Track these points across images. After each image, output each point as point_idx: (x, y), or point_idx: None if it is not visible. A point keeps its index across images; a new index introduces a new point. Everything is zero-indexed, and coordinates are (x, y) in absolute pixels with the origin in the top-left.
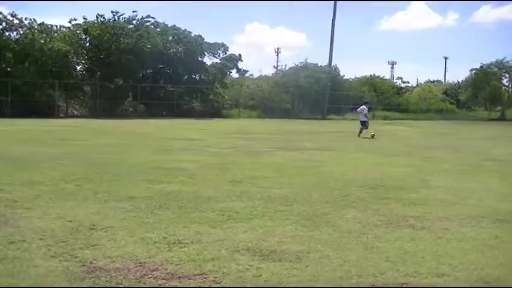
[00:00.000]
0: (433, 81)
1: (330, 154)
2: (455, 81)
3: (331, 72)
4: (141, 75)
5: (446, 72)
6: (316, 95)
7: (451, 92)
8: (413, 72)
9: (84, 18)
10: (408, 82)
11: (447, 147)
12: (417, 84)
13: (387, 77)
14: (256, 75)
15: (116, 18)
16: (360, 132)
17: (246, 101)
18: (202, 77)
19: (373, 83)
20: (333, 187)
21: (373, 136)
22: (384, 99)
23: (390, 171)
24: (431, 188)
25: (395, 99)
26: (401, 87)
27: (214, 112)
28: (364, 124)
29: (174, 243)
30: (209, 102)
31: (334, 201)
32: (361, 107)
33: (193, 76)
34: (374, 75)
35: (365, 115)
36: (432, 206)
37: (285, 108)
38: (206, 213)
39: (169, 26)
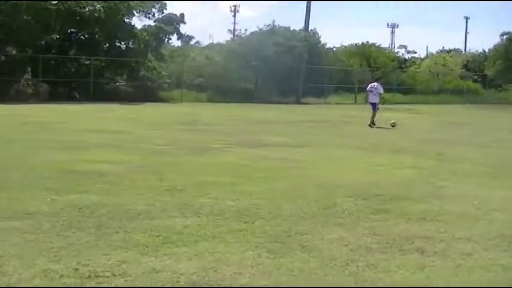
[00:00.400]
0: (449, 51)
1: (308, 151)
2: (480, 51)
3: (308, 39)
4: (43, 42)
5: (468, 39)
6: (287, 71)
7: (474, 66)
8: (422, 38)
9: None
10: (415, 52)
11: (468, 141)
12: (427, 55)
13: (386, 44)
14: (205, 42)
15: None
16: (373, 119)
17: (192, 78)
18: (130, 45)
19: (366, 54)
20: (311, 197)
21: (393, 125)
22: (381, 75)
23: (390, 175)
24: (446, 197)
25: (396, 76)
26: (405, 59)
27: (148, 94)
28: (374, 107)
29: (89, 276)
30: (140, 80)
31: (313, 216)
32: (371, 85)
33: (118, 44)
34: (367, 42)
35: (378, 95)
36: (447, 222)
37: (246, 89)
38: (135, 234)
39: None
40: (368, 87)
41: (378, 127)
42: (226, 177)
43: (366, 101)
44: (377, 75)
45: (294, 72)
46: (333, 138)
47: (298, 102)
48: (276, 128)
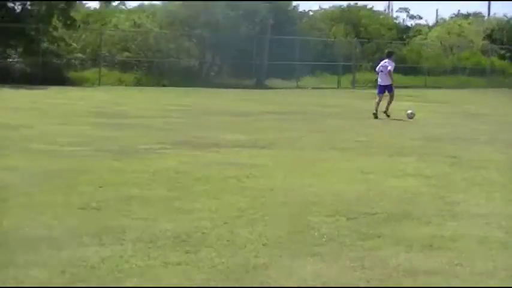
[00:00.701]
0: (467, 16)
1: (273, 154)
2: (509, 16)
3: (274, 0)
4: None
5: (491, 1)
6: (246, 43)
7: (501, 36)
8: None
9: None
10: (420, 17)
11: (492, 139)
12: (437, 22)
13: (380, 8)
14: (133, 4)
15: None
16: (376, 112)
17: (114, 53)
18: (27, 6)
19: (353, 20)
20: (276, 216)
21: (411, 117)
22: (375, 49)
23: (385, 186)
24: (462, 216)
25: (395, 51)
26: (408, 27)
27: (52, 74)
28: (389, 90)
29: None
30: (41, 55)
31: (279, 243)
32: (381, 64)
33: (10, 5)
34: (356, 4)
35: (388, 74)
36: (464, 251)
37: (189, 68)
38: (31, 269)
39: None
40: (378, 67)
41: (375, 117)
42: (160, 189)
43: (353, 84)
44: (389, 49)
45: (255, 44)
46: (308, 135)
47: (260, 86)
48: (230, 121)
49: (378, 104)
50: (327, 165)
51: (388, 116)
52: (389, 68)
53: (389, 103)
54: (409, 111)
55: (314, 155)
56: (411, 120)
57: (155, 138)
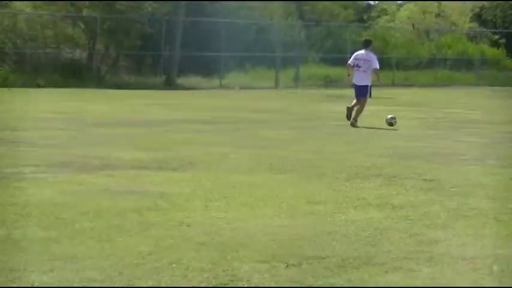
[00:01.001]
0: None
1: (189, 178)
2: None
3: None
4: None
5: None
6: (152, 29)
7: (493, 17)
8: None
9: None
10: None
11: (482, 154)
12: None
13: None
14: None
15: None
16: (352, 108)
17: None
18: None
19: None
20: (189, 263)
21: (391, 123)
22: (325, 34)
23: (339, 220)
24: (442, 259)
25: (353, 36)
26: (369, 6)
27: None
28: (362, 93)
29: None
30: None
31: None
32: (356, 55)
33: None
34: None
35: (374, 73)
36: None
37: (73, 63)
38: None
39: None
40: (351, 60)
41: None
42: (33, 228)
43: (295, 82)
44: (366, 37)
45: (164, 29)
46: (236, 152)
47: (171, 86)
48: (129, 134)
49: (352, 108)
50: (260, 192)
51: (356, 126)
52: (375, 66)
53: (359, 110)
54: (389, 116)
55: (244, 179)
56: (392, 127)
57: (26, 158)
